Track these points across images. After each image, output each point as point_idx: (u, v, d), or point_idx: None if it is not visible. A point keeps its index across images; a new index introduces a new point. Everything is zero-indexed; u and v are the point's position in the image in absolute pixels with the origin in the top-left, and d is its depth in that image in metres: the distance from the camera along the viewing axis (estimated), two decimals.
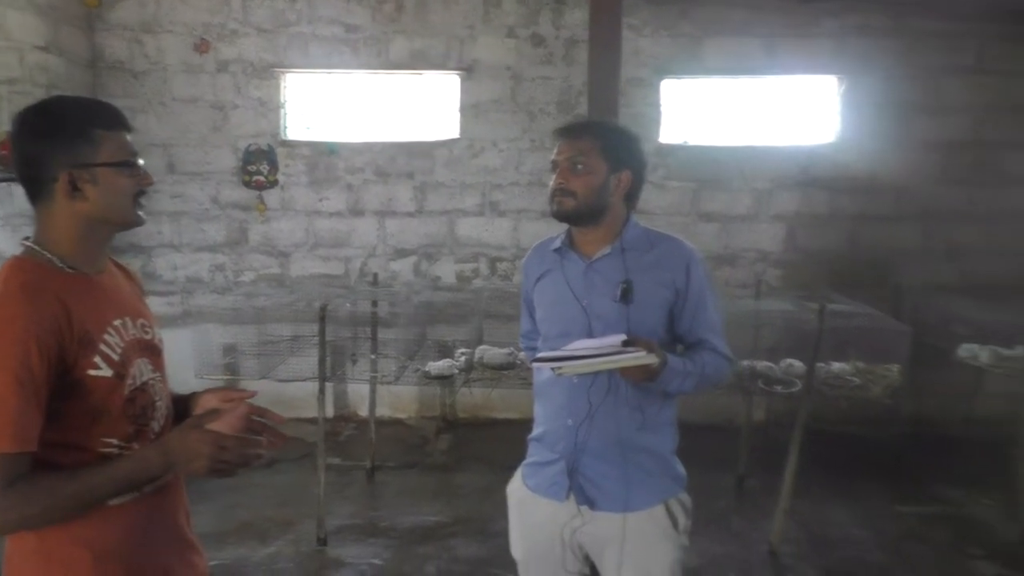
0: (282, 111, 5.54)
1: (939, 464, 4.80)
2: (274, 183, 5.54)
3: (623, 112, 5.41)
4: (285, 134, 5.56)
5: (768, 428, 5.13)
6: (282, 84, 5.52)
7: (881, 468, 4.79)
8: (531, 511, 2.13)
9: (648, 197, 5.51)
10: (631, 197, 2.10)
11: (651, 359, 1.78)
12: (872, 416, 5.16)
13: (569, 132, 2.06)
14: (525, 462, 2.21)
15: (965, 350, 4.30)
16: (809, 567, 3.61)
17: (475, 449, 5.19)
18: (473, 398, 5.45)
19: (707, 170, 5.47)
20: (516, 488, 2.20)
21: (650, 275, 2.02)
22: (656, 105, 5.45)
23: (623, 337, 1.85)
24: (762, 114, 5.54)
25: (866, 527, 3.99)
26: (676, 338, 2.08)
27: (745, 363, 4.04)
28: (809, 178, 5.44)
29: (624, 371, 1.85)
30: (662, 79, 5.42)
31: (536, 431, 2.18)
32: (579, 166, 2.00)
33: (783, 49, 5.33)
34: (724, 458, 4.64)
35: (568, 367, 1.79)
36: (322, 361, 3.79)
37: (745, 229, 5.52)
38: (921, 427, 5.40)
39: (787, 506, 3.71)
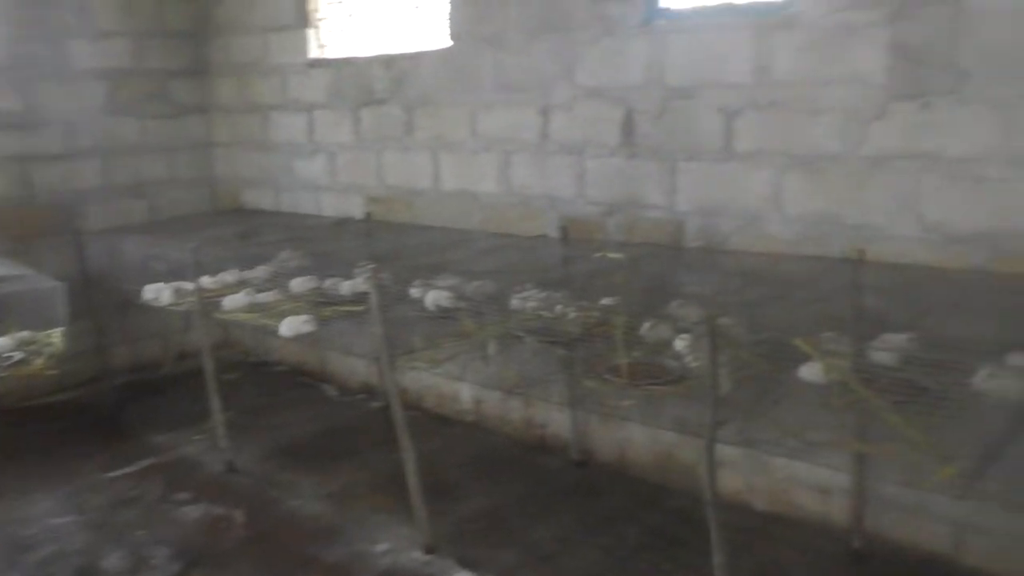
0: None
1: (154, 411, 4.68)
2: None
3: None
4: None
5: None
6: None
7: (94, 434, 4.41)
8: None
9: None
10: None
11: None
12: (86, 377, 4.76)
13: None
14: None
15: (150, 291, 4.15)
16: None
17: None
18: None
19: None
20: None
21: None
22: None
23: None
24: None
25: (70, 511, 3.58)
26: None
27: None
28: None
29: None
30: None
31: None
32: None
33: None
34: None
35: None
36: None
37: None
38: (139, 374, 5.22)
39: None
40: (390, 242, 4.03)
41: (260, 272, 4.28)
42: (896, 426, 2.04)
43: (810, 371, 2.48)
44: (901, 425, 2.04)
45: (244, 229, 4.84)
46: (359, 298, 3.68)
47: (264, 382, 5.16)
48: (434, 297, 3.41)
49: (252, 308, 3.79)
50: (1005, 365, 2.33)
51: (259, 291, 3.91)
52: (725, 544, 2.26)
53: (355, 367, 4.89)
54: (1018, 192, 2.53)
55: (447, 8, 4.07)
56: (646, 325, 2.88)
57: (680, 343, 2.74)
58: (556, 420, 3.92)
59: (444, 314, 3.31)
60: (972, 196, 2.62)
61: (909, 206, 2.77)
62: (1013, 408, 2.06)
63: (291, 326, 3.44)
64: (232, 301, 3.81)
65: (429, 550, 3.11)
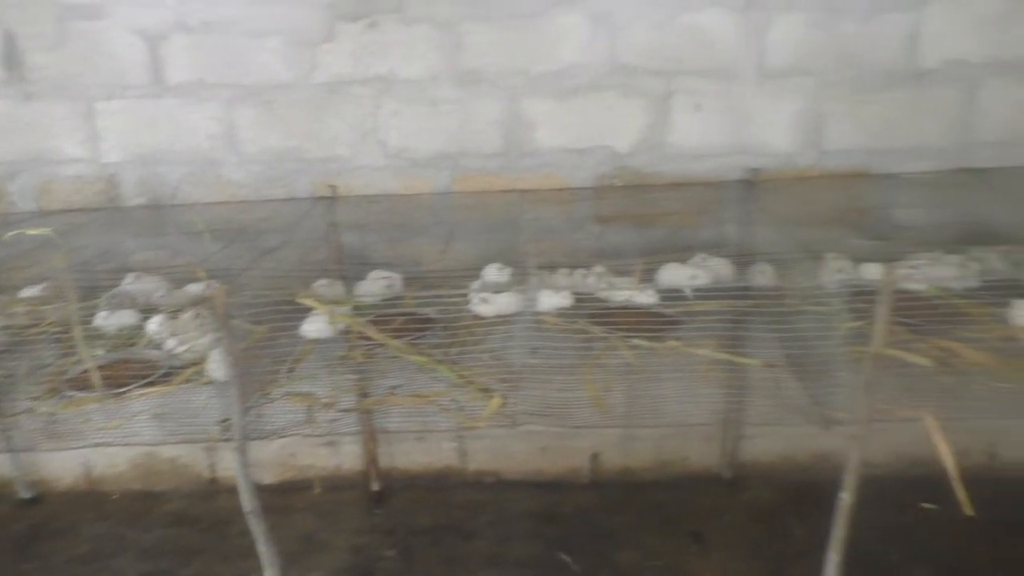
0: None
1: None
2: None
3: None
4: None
5: None
6: None
7: None
8: None
9: None
10: None
11: None
12: None
13: None
14: None
15: None
16: None
17: None
18: None
19: None
20: None
21: None
22: None
23: None
24: None
25: None
26: None
27: None
28: None
29: None
30: None
31: None
32: None
33: None
34: None
35: None
36: None
37: None
38: None
39: None
40: None
41: None
42: (426, 366, 1.94)
43: (314, 326, 2.24)
44: (431, 364, 1.94)
45: None
46: None
47: None
48: None
49: None
50: (483, 284, 2.43)
51: None
52: (266, 539, 1.94)
53: None
54: (468, 111, 2.61)
55: None
56: (102, 313, 2.28)
57: (154, 326, 2.23)
58: None
59: None
60: (428, 118, 2.62)
61: (370, 133, 2.67)
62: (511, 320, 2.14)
63: None
64: None
65: None
